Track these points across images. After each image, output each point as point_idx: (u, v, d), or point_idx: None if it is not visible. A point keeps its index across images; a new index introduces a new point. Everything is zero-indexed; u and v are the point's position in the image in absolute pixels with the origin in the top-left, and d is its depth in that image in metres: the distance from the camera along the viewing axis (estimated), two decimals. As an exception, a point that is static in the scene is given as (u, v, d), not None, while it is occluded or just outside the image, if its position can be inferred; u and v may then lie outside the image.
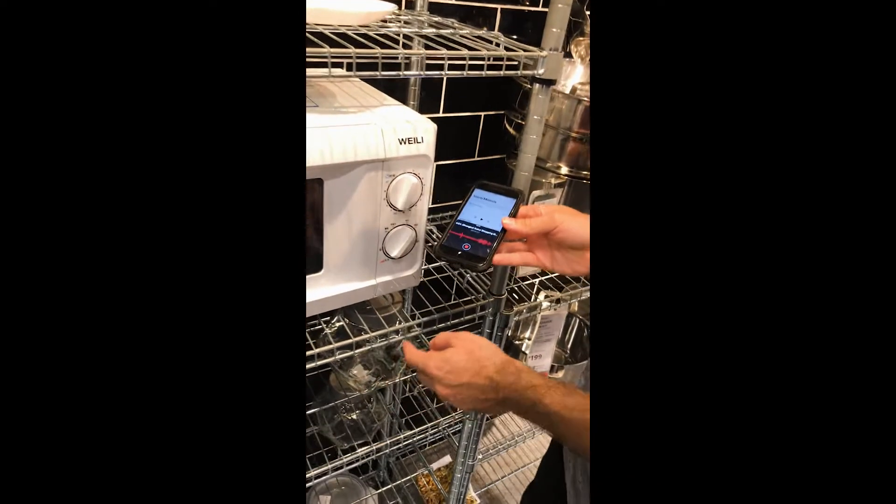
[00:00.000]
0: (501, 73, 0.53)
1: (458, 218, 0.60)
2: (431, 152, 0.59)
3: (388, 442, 0.90)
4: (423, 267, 0.86)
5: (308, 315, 0.64)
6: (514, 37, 0.58)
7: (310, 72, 0.45)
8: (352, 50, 0.47)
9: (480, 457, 1.37)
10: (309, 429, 1.17)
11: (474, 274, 0.81)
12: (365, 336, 0.71)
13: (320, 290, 0.61)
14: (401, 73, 0.49)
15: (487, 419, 1.49)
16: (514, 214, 0.59)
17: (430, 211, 1.08)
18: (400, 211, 0.61)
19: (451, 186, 1.07)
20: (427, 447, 1.48)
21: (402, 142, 0.56)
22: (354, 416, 1.15)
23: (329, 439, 1.07)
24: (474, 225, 0.59)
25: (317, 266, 0.59)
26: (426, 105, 0.96)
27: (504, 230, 0.58)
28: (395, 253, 0.63)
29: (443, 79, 0.96)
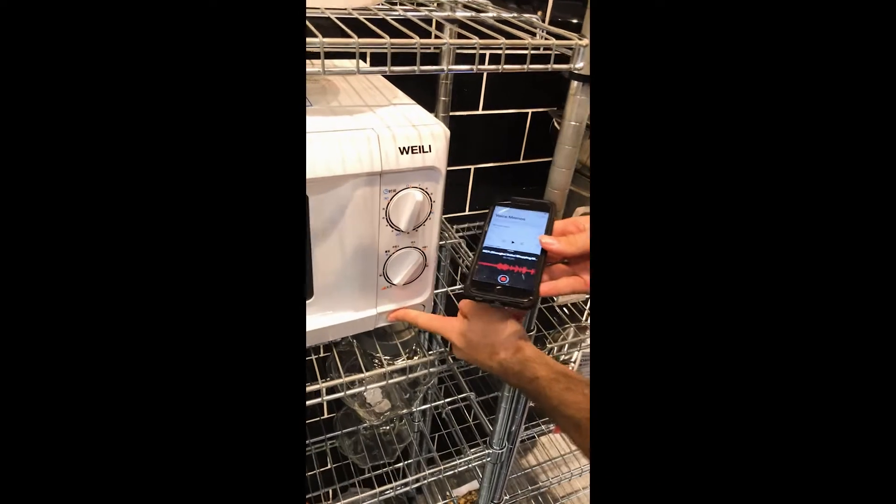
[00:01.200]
0: (525, 66, 0.41)
1: (485, 244, 0.49)
2: (442, 163, 0.49)
3: (427, 472, 0.80)
4: (442, 290, 0.76)
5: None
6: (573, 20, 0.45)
7: (330, 63, 0.36)
8: (386, 40, 0.37)
9: (506, 500, 1.25)
10: (330, 444, 1.11)
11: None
12: (378, 371, 0.62)
13: (311, 320, 0.53)
14: (417, 67, 0.38)
15: (518, 452, 1.38)
16: (549, 231, 0.48)
17: (464, 220, 0.98)
18: (403, 232, 0.51)
19: (491, 192, 0.96)
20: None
21: (403, 151, 0.46)
22: (382, 431, 1.07)
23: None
24: (506, 251, 0.48)
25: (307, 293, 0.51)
26: (466, 101, 0.85)
27: (545, 252, 0.46)
28: (398, 279, 0.54)
29: (483, 71, 0.84)
